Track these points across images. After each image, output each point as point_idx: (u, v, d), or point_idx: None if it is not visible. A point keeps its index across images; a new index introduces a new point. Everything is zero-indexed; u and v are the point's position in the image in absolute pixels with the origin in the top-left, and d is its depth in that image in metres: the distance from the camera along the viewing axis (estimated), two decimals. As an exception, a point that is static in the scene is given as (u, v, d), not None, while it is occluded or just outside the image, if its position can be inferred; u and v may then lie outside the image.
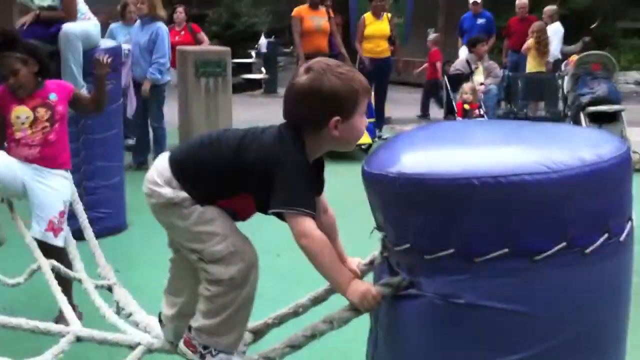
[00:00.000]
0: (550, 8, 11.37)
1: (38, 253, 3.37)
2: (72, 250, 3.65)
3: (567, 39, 13.13)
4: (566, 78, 8.33)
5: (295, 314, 2.30)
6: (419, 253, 1.70)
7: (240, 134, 2.11)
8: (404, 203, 1.71)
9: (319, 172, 2.15)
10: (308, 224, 1.94)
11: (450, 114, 8.67)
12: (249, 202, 2.11)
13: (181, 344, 2.27)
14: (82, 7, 5.15)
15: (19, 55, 3.54)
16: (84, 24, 5.03)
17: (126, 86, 6.75)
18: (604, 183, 1.64)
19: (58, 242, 3.57)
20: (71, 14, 4.98)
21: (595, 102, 7.66)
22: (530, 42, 10.60)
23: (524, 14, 11.41)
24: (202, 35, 9.22)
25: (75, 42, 4.90)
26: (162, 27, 7.06)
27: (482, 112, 8.35)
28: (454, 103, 8.54)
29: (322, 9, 8.99)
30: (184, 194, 2.11)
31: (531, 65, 10.66)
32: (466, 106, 8.30)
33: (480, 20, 10.75)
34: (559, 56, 10.86)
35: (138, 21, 7.22)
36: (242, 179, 2.06)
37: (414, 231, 1.71)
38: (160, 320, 2.50)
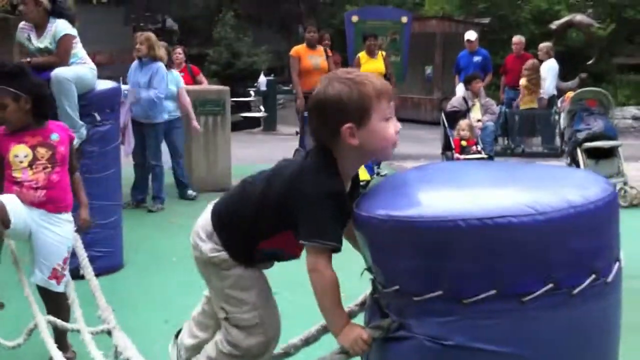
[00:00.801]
0: (545, 45, 11.52)
1: (35, 308, 3.36)
2: (71, 293, 3.64)
3: (564, 76, 13.28)
4: (562, 114, 8.38)
5: (286, 354, 2.29)
6: (408, 295, 1.71)
7: (267, 173, 2.09)
8: (392, 245, 1.72)
9: (354, 186, 2.07)
10: (322, 260, 1.89)
11: (447, 150, 8.71)
12: (292, 239, 2.01)
13: None
14: (79, 51, 5.19)
15: (11, 90, 3.46)
16: (77, 68, 5.06)
17: (124, 125, 6.80)
18: (590, 225, 1.65)
19: (60, 288, 3.56)
20: (63, 58, 5.01)
21: (591, 138, 7.68)
22: (522, 80, 10.77)
23: (519, 51, 11.55)
24: (201, 77, 9.33)
25: (67, 86, 4.93)
26: (161, 66, 7.14)
27: (479, 149, 8.39)
28: (451, 139, 8.58)
29: (320, 48, 9.13)
30: (224, 255, 2.11)
31: (524, 102, 10.80)
32: (463, 142, 8.35)
33: (476, 58, 10.89)
34: (554, 92, 10.97)
35: (136, 61, 7.30)
36: (275, 217, 2.00)
37: (403, 273, 1.72)
38: (176, 336, 2.52)
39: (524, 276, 1.61)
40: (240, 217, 2.08)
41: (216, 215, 2.15)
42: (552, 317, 1.64)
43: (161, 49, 7.31)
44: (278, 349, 2.30)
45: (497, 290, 1.61)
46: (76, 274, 4.01)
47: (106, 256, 5.27)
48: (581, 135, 7.75)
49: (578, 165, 7.72)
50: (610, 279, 1.70)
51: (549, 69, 11.13)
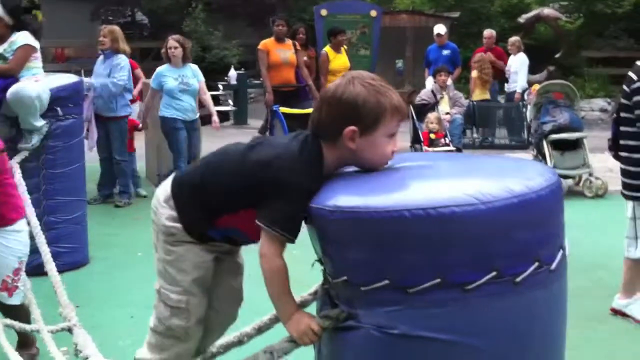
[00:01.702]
0: (515, 39, 11.61)
1: None
2: (27, 294, 3.60)
3: (532, 69, 13.38)
4: (529, 107, 8.47)
5: (239, 342, 2.31)
6: (356, 285, 1.72)
7: (249, 144, 2.06)
8: (339, 236, 1.73)
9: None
10: (275, 248, 1.88)
11: (416, 143, 8.76)
12: (254, 218, 1.96)
13: None
14: (35, 66, 5.05)
15: None
16: (38, 89, 4.88)
17: (88, 119, 6.73)
18: (533, 214, 1.67)
19: (14, 301, 3.50)
20: (14, 67, 4.89)
21: (557, 130, 7.77)
22: (473, 72, 10.87)
23: (490, 45, 11.63)
24: (139, 72, 8.99)
25: (29, 103, 4.82)
26: (123, 58, 7.08)
27: (447, 141, 8.45)
28: (420, 132, 8.63)
29: (289, 42, 9.10)
30: (178, 227, 2.07)
31: (476, 95, 10.88)
32: (432, 135, 8.40)
33: (445, 52, 10.95)
34: (527, 86, 11.06)
35: (101, 55, 7.22)
36: (246, 189, 1.94)
37: (350, 264, 1.73)
38: None
39: (467, 265, 1.63)
40: (205, 187, 2.03)
41: (177, 183, 2.11)
42: (496, 306, 1.66)
43: (124, 44, 7.23)
44: (231, 337, 2.32)
45: (441, 280, 1.63)
46: (40, 271, 3.98)
47: (71, 252, 5.23)
48: (547, 127, 7.83)
49: (544, 157, 7.82)
50: (554, 266, 1.72)
51: (521, 62, 11.21)
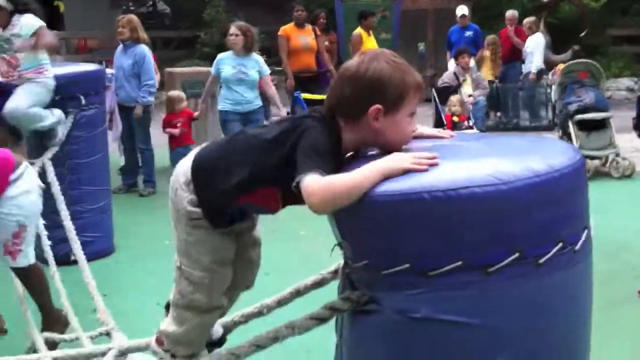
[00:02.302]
0: (529, 20, 11.47)
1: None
2: (64, 302, 3.67)
3: (557, 49, 13.19)
4: (553, 87, 8.35)
5: (259, 313, 2.34)
6: (376, 269, 1.70)
7: (280, 121, 2.03)
8: (358, 220, 1.71)
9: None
10: (313, 181, 1.72)
11: (439, 126, 8.68)
12: (274, 197, 1.95)
13: (153, 343, 2.29)
14: (44, 53, 5.03)
15: None
16: (30, 91, 4.86)
17: (111, 110, 6.78)
18: (555, 193, 1.64)
19: (18, 263, 3.58)
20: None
21: (582, 110, 7.68)
22: (485, 53, 10.78)
23: (513, 26, 11.49)
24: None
25: (26, 116, 4.84)
26: (145, 49, 7.10)
27: (471, 124, 8.37)
28: (442, 115, 8.56)
29: (309, 27, 9.08)
30: (199, 212, 2.04)
31: (484, 75, 10.77)
32: (455, 118, 8.33)
33: (467, 33, 10.84)
34: (542, 66, 10.92)
35: (120, 45, 7.25)
36: (268, 162, 1.89)
37: (370, 248, 1.71)
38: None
39: (489, 247, 1.60)
40: (228, 169, 1.98)
41: (197, 168, 2.06)
42: (519, 288, 1.63)
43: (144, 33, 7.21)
44: (251, 307, 2.35)
45: (463, 262, 1.60)
46: (67, 260, 4.03)
47: (97, 241, 5.29)
48: (572, 108, 7.74)
49: (570, 138, 7.72)
50: (578, 247, 1.69)
51: (536, 43, 11.07)
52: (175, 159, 7.12)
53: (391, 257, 1.67)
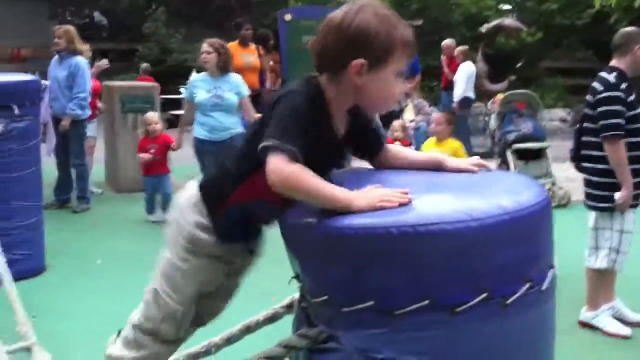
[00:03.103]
0: (459, 49, 11.72)
1: None
2: None
3: (494, 78, 13.51)
4: (492, 116, 8.51)
5: (206, 353, 2.24)
6: (337, 305, 1.62)
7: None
8: (321, 254, 1.63)
9: (364, 128, 1.91)
10: (281, 159, 1.63)
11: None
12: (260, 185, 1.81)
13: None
14: None
15: None
16: None
17: (45, 122, 6.52)
18: (524, 231, 1.60)
19: None
20: None
21: (521, 139, 7.82)
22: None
23: (450, 54, 11.75)
24: None
25: None
26: (81, 61, 6.88)
27: (412, 149, 8.41)
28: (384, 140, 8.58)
29: (252, 46, 8.99)
30: (203, 237, 1.94)
31: None
32: (397, 143, 8.35)
33: (404, 60, 10.98)
34: (468, 95, 11.10)
35: (56, 56, 7.01)
36: (257, 140, 1.75)
37: (332, 283, 1.63)
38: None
39: (456, 286, 1.55)
40: (224, 171, 1.96)
41: (205, 177, 2.05)
42: (486, 328, 1.57)
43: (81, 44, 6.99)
44: (198, 346, 2.24)
45: (429, 301, 1.54)
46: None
47: (26, 259, 5.04)
48: (511, 137, 7.88)
49: (508, 166, 7.85)
50: (544, 286, 1.65)
51: (463, 72, 11.33)
52: (147, 185, 6.80)
53: (354, 293, 1.59)
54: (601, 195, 4.21)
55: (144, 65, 10.09)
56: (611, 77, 4.18)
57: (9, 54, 17.23)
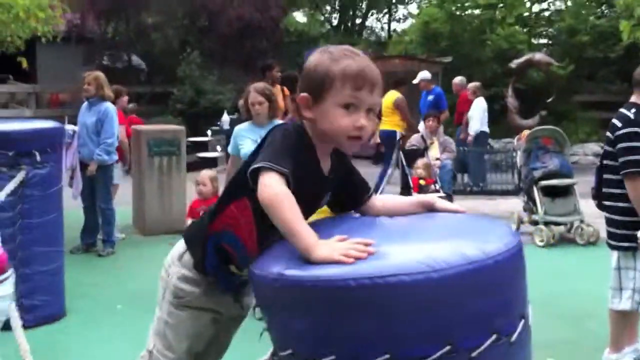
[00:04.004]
0: (472, 85, 11.75)
1: None
2: None
3: (525, 113, 13.41)
4: (519, 152, 8.41)
5: None
6: (302, 359, 1.60)
7: None
8: (284, 306, 1.62)
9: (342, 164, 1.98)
10: (275, 179, 1.70)
11: (406, 189, 8.66)
12: (247, 213, 1.87)
13: None
14: None
15: None
16: None
17: (73, 167, 6.64)
18: (490, 281, 1.56)
19: None
20: None
21: (547, 176, 7.71)
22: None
23: (458, 92, 12.02)
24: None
25: None
26: (109, 107, 7.01)
27: (437, 187, 8.36)
28: (409, 178, 8.55)
29: (278, 87, 9.08)
30: (187, 288, 2.01)
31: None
32: (422, 181, 8.31)
33: (430, 97, 11.04)
34: (484, 129, 11.25)
35: (85, 102, 7.17)
36: (241, 173, 1.88)
37: (295, 336, 1.62)
38: None
39: (419, 339, 1.51)
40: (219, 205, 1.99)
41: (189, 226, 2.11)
42: (450, 383, 1.53)
43: (109, 90, 7.13)
44: None
45: (391, 355, 1.50)
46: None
47: (46, 305, 5.08)
48: (537, 174, 7.77)
49: (535, 203, 7.73)
50: (514, 338, 1.60)
51: (476, 107, 11.33)
52: None
53: (316, 347, 1.57)
54: (623, 235, 4.10)
55: (131, 105, 10.21)
56: (630, 113, 4.10)
57: (47, 99, 17.69)
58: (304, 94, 1.82)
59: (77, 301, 5.48)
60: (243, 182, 1.83)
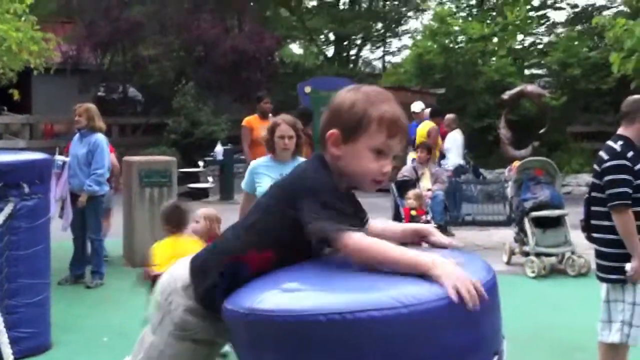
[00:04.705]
0: (448, 117, 11.77)
1: None
2: None
3: (517, 144, 13.46)
4: (509, 183, 8.43)
5: None
6: (273, 395, 1.58)
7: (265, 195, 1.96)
8: (254, 341, 1.60)
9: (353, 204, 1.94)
10: (350, 235, 1.67)
11: (397, 219, 8.64)
12: (268, 265, 1.80)
13: None
14: None
15: None
16: None
17: (63, 198, 6.63)
18: (461, 317, 1.54)
19: None
20: None
21: (538, 207, 7.71)
22: None
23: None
24: (113, 157, 8.36)
25: None
26: (100, 138, 7.03)
27: (429, 218, 8.34)
28: (401, 209, 8.53)
29: (269, 119, 9.10)
30: (191, 320, 1.94)
31: None
32: (413, 212, 8.29)
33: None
34: (460, 162, 11.29)
35: (77, 134, 7.18)
36: (265, 227, 1.81)
37: (265, 371, 1.59)
38: None
39: (389, 375, 1.49)
40: (225, 246, 1.93)
41: (195, 260, 1.99)
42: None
43: (101, 121, 7.14)
44: None
45: (361, 391, 1.49)
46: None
47: (32, 337, 5.04)
48: (528, 204, 7.78)
49: (526, 234, 7.71)
50: (487, 375, 1.58)
51: (453, 140, 11.35)
52: None
53: (286, 383, 1.55)
54: (612, 267, 4.09)
55: None
56: (617, 146, 4.12)
57: (42, 130, 17.71)
58: (335, 131, 1.79)
59: (63, 333, 5.43)
60: (270, 234, 1.80)
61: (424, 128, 10.52)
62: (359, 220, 1.91)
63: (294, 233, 1.74)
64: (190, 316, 1.94)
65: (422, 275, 1.59)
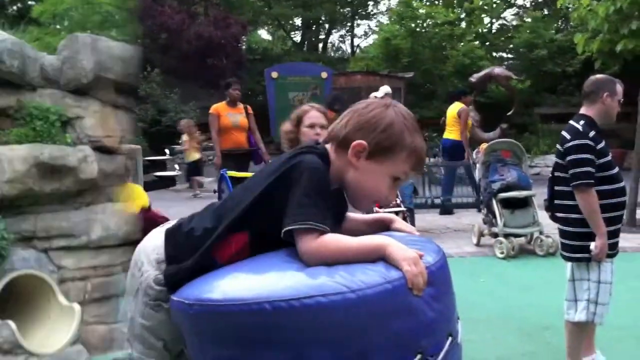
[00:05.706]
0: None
1: None
2: None
3: (486, 127, 13.52)
4: (477, 165, 8.44)
5: None
6: (219, 387, 1.52)
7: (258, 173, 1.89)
8: (199, 332, 1.54)
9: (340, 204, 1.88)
10: (312, 238, 1.62)
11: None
12: (243, 247, 1.76)
13: None
14: None
15: None
16: None
17: None
18: (411, 300, 1.50)
19: None
20: None
21: (505, 188, 7.73)
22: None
23: None
24: None
25: None
26: None
27: (398, 202, 8.32)
28: (370, 194, 8.51)
29: (240, 106, 9.02)
30: (165, 290, 1.84)
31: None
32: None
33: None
34: None
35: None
36: (250, 209, 1.73)
37: (212, 362, 1.54)
38: None
39: (339, 361, 1.45)
40: (207, 217, 1.84)
41: (171, 231, 1.89)
42: (373, 407, 1.46)
43: None
44: None
45: (309, 380, 1.44)
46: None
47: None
48: (496, 186, 7.79)
49: (495, 216, 7.74)
50: (440, 357, 1.54)
51: None
52: None
53: (235, 375, 1.49)
54: (576, 246, 4.08)
55: None
56: (579, 125, 4.11)
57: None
58: (363, 143, 1.73)
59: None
60: (246, 217, 1.74)
61: (455, 109, 10.50)
62: (339, 218, 1.90)
63: (273, 220, 1.69)
64: (159, 286, 1.87)
65: (374, 260, 1.55)
